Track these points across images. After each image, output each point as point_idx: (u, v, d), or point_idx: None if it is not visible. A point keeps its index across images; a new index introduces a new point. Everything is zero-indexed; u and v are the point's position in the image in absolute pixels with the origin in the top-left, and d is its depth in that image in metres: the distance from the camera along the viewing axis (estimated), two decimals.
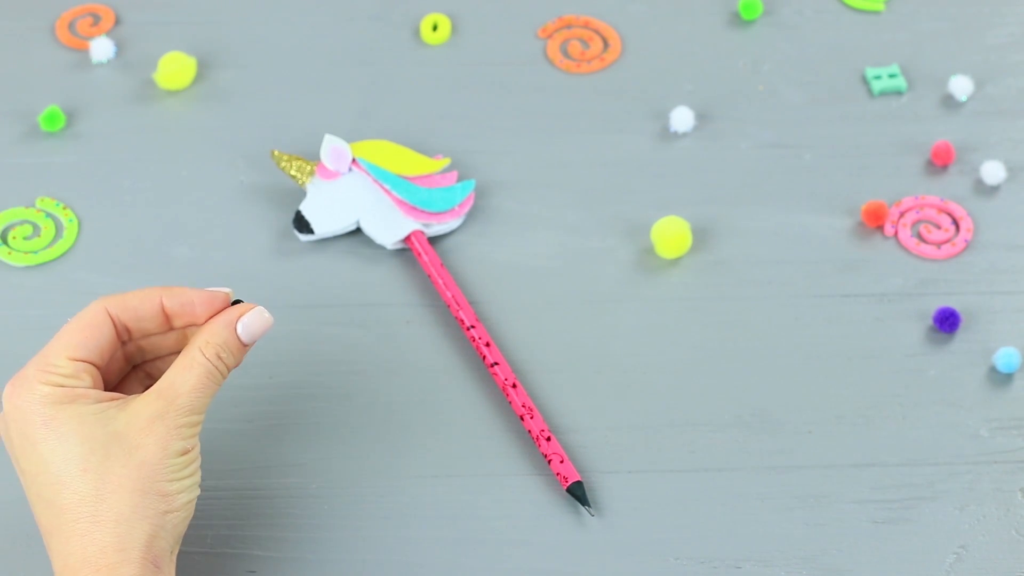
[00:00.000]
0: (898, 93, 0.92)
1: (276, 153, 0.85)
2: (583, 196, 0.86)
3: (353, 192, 0.84)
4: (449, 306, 0.80)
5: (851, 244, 0.84)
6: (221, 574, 0.71)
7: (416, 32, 0.95)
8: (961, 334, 0.80)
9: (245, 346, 0.68)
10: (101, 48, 0.93)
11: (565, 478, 0.73)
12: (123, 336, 0.68)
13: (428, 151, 0.88)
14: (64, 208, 0.85)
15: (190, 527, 0.67)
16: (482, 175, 0.87)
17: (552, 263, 0.83)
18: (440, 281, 0.81)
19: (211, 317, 0.68)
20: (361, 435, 0.76)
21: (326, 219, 0.83)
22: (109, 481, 0.63)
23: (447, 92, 0.92)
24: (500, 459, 0.75)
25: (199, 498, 0.66)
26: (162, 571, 0.63)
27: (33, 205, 0.86)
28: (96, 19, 0.95)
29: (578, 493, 0.73)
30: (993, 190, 0.87)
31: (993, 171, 0.87)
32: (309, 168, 0.85)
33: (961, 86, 0.91)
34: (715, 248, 0.84)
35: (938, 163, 0.88)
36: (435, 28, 0.95)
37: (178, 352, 0.68)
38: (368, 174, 0.85)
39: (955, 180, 0.87)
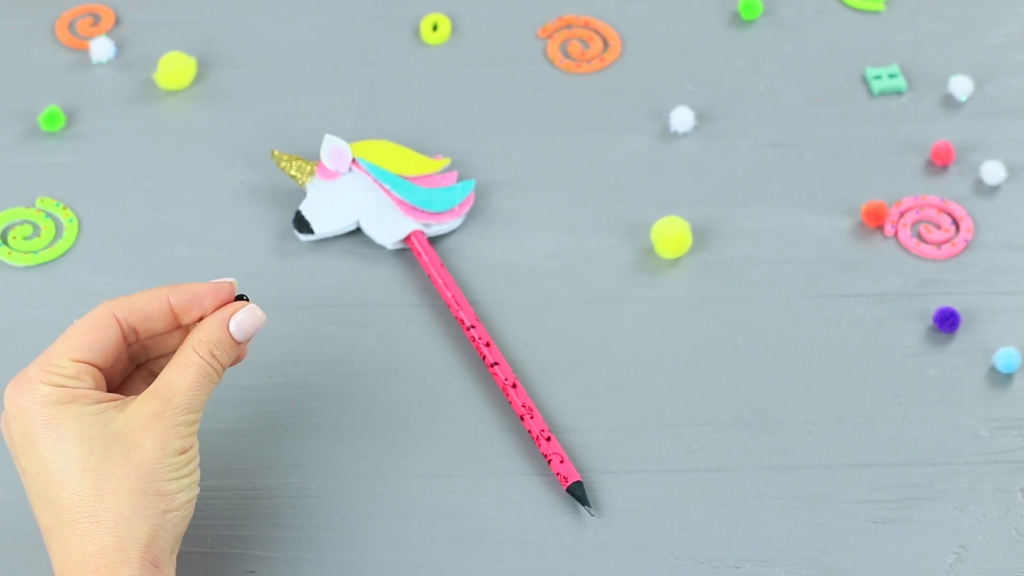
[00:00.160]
0: (898, 93, 0.92)
1: (276, 153, 0.85)
2: (583, 196, 0.86)
3: (353, 192, 0.84)
4: (449, 306, 0.80)
5: (851, 244, 0.84)
6: (221, 574, 0.71)
7: (416, 32, 0.95)
8: (961, 334, 0.80)
9: (239, 343, 0.68)
10: (101, 48, 0.93)
11: (565, 478, 0.73)
12: (130, 338, 0.68)
13: (428, 151, 0.88)
14: (64, 208, 0.85)
15: (190, 527, 0.67)
16: (482, 175, 0.87)
17: (552, 263, 0.83)
18: (440, 281, 0.81)
19: (219, 308, 0.68)
20: (361, 435, 0.76)
21: (326, 219, 0.83)
22: (108, 481, 0.63)
23: (447, 92, 0.92)
24: (500, 459, 0.75)
25: (199, 498, 0.66)
26: (162, 571, 0.63)
27: (33, 205, 0.86)
28: (96, 19, 0.95)
29: (578, 493, 0.73)
30: (993, 190, 0.87)
31: (993, 171, 0.87)
32: (309, 168, 0.85)
33: (961, 86, 0.91)
34: (715, 248, 0.84)
35: (938, 163, 0.88)
36: (435, 28, 0.95)
37: None
38: (368, 174, 0.85)
39: (955, 180, 0.87)
